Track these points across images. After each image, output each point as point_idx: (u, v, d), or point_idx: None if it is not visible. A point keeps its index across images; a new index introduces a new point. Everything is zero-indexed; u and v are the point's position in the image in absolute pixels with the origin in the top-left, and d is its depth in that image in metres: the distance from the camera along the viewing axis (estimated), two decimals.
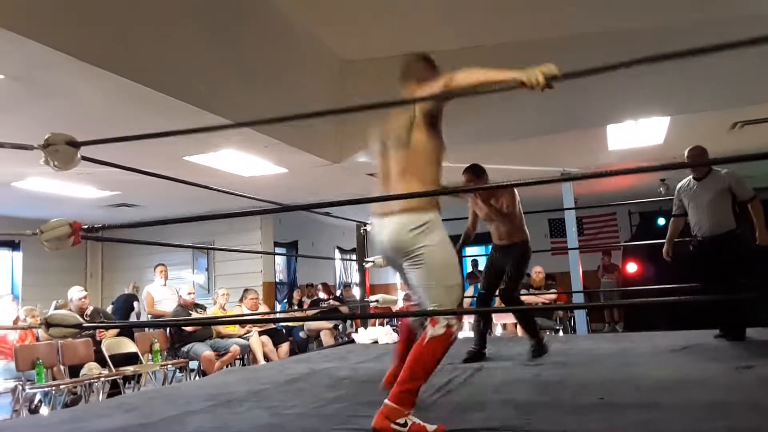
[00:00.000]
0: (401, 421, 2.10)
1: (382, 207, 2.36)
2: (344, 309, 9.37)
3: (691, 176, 4.57)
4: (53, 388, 5.21)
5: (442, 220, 2.36)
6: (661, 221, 10.17)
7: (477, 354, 4.11)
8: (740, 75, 5.14)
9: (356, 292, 10.96)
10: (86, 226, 2.41)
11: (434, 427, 2.13)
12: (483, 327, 4.35)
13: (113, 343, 6.14)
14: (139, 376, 6.21)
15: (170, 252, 9.47)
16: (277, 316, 9.05)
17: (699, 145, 4.42)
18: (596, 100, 5.57)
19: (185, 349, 6.53)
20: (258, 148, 5.85)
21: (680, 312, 8.64)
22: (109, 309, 8.23)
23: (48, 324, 2.32)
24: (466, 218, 4.54)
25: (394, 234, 2.30)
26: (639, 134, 6.13)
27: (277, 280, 10.75)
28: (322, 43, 5.71)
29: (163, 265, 7.85)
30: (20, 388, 5.24)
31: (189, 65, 4.49)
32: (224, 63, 4.82)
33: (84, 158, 2.56)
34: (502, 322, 8.07)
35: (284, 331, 8.09)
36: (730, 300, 4.30)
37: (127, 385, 5.97)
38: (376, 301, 5.87)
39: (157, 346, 6.37)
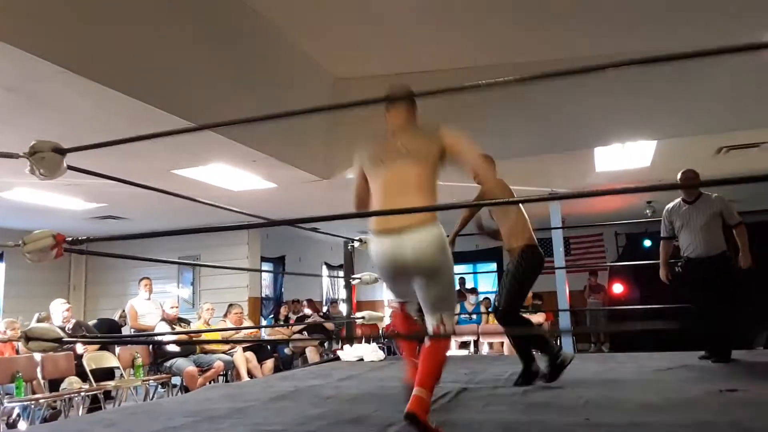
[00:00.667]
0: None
1: (392, 222, 2.37)
2: (329, 325, 9.31)
3: (680, 199, 4.63)
4: (32, 402, 5.11)
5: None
6: (647, 243, 10.27)
7: (530, 373, 3.66)
8: (726, 101, 5.23)
9: (343, 308, 10.90)
10: (70, 239, 2.39)
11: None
12: (523, 344, 3.75)
13: (94, 357, 6.05)
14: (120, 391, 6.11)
15: (155, 265, 9.38)
16: (264, 330, 8.97)
17: (691, 169, 4.52)
18: (585, 123, 5.64)
19: (168, 364, 6.44)
20: (247, 163, 5.84)
21: (666, 333, 8.69)
22: (91, 323, 8.11)
23: (27, 337, 2.28)
24: None
25: (420, 252, 2.35)
26: (626, 157, 6.20)
27: (264, 295, 10.67)
28: (315, 60, 5.73)
29: (147, 278, 7.77)
30: None
31: (180, 79, 4.49)
32: (216, 78, 4.82)
33: (70, 167, 2.54)
34: (488, 341, 8.06)
35: (269, 347, 8.02)
36: (719, 321, 4.35)
37: (107, 400, 5.88)
38: (363, 317, 5.85)
39: (139, 361, 6.28)
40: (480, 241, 8.02)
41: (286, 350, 8.62)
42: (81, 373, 5.73)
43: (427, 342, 2.41)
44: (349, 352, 6.16)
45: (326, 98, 6.09)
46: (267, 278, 11.12)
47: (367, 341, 6.47)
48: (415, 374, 2.39)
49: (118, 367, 6.24)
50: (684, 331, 8.56)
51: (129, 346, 6.58)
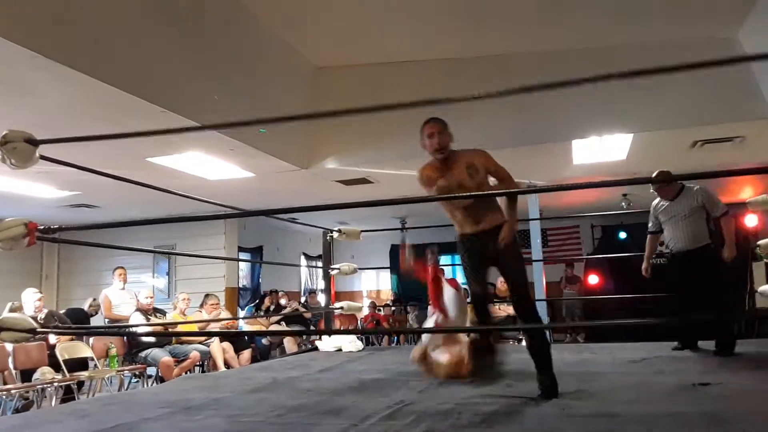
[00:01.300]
0: None
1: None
2: (307, 315, 9.29)
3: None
4: (4, 393, 5.03)
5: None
6: (622, 235, 10.42)
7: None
8: (701, 95, 5.31)
9: (321, 298, 10.89)
10: (42, 227, 2.34)
11: None
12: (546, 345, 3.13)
13: (67, 347, 5.96)
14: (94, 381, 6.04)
15: (130, 255, 9.25)
16: (242, 322, 8.92)
17: (664, 170, 4.39)
18: (562, 116, 5.68)
19: (143, 354, 6.37)
20: (224, 151, 5.77)
21: (640, 323, 8.84)
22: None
23: None
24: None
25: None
26: (603, 150, 6.26)
27: (241, 285, 10.60)
28: (295, 49, 5.68)
29: (122, 268, 7.66)
30: None
31: (156, 66, 4.42)
32: (194, 65, 4.75)
33: (43, 157, 2.48)
34: None
35: (246, 337, 7.97)
36: (694, 314, 4.35)
37: (81, 390, 5.80)
38: (341, 308, 5.84)
39: (113, 352, 6.21)
40: None
41: (264, 341, 8.58)
42: (54, 364, 5.65)
43: None
44: (327, 343, 6.15)
45: (306, 87, 6.05)
46: (244, 268, 11.04)
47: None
48: None
49: (91, 358, 6.16)
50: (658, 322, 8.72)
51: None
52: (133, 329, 6.40)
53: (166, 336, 6.68)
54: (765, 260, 6.57)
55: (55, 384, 5.38)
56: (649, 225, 4.80)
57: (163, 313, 7.33)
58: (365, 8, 4.91)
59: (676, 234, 4.48)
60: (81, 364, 6.02)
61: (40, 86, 3.98)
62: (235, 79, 5.18)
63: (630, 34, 5.20)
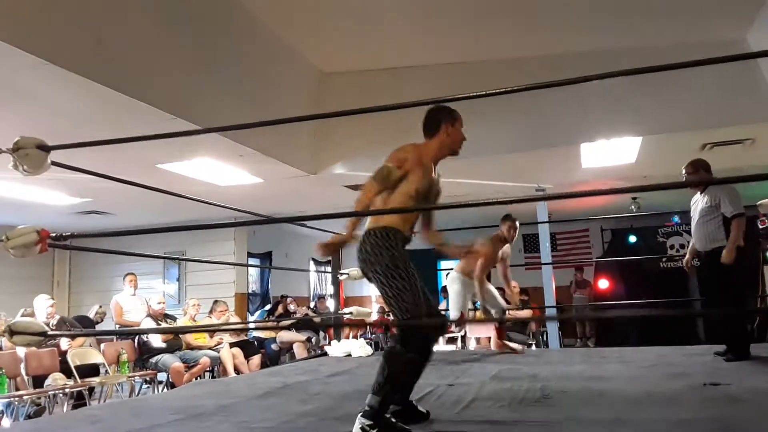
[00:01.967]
0: None
1: None
2: (316, 320, 9.29)
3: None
4: (16, 398, 5.06)
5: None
6: (633, 238, 10.37)
7: None
8: (710, 98, 5.28)
9: (330, 304, 10.89)
10: (54, 234, 2.36)
11: None
12: None
13: (79, 353, 6.00)
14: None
15: (140, 261, 9.29)
16: (253, 324, 8.93)
17: (693, 162, 4.33)
18: (571, 119, 5.66)
19: (154, 360, 6.40)
20: (233, 158, 5.80)
21: (650, 328, 8.79)
22: None
23: (12, 331, 2.25)
24: None
25: None
26: (612, 153, 6.23)
27: (250, 291, 10.62)
28: (300, 55, 5.71)
29: (132, 274, 7.70)
30: None
31: (164, 72, 4.45)
32: (200, 71, 4.78)
33: (54, 163, 2.51)
34: (475, 335, 8.09)
35: (256, 343, 7.99)
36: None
37: (92, 396, 5.83)
38: (350, 313, 5.84)
39: (124, 357, 6.24)
40: None
41: (273, 346, 8.59)
42: (65, 370, 5.68)
43: None
44: (336, 348, 6.16)
45: (312, 93, 6.07)
46: (254, 274, 11.07)
47: (355, 336, 6.46)
48: None
49: (102, 364, 6.19)
50: (669, 326, 8.67)
51: (114, 342, 6.52)
52: (147, 333, 6.44)
53: (184, 333, 6.68)
54: None
55: (67, 390, 5.41)
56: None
57: (174, 318, 7.36)
58: (371, 14, 4.92)
59: (694, 233, 4.37)
60: (92, 370, 6.05)
61: (48, 93, 4.02)
62: (241, 84, 5.21)
63: (638, 37, 5.18)
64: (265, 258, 11.03)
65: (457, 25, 5.16)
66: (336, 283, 6.45)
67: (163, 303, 7.12)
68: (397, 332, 2.64)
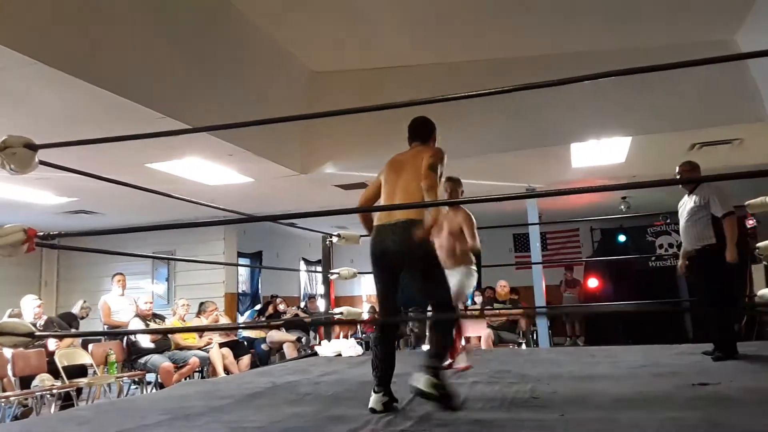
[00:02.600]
0: None
1: None
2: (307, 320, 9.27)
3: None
4: (3, 400, 5.01)
5: None
6: (622, 238, 10.43)
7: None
8: (698, 99, 5.32)
9: (321, 304, 10.87)
10: (41, 233, 2.34)
11: None
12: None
13: (67, 354, 5.94)
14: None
15: (129, 261, 9.23)
16: (243, 324, 8.89)
17: (690, 161, 4.39)
18: (561, 119, 5.69)
19: (143, 360, 6.36)
20: (222, 157, 5.78)
21: (639, 327, 8.85)
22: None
23: None
24: None
25: None
26: (601, 153, 6.27)
27: (240, 290, 10.58)
28: (291, 53, 5.69)
29: (121, 274, 7.64)
30: None
31: (154, 71, 4.42)
32: (190, 70, 4.76)
33: (42, 162, 2.49)
34: (466, 335, 8.10)
35: (245, 343, 7.96)
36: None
37: (80, 397, 5.78)
38: (341, 313, 5.83)
39: (113, 358, 6.19)
40: None
41: (263, 346, 8.56)
42: (53, 371, 5.62)
43: None
44: (326, 348, 6.15)
45: (303, 92, 6.06)
46: (244, 274, 11.02)
47: (345, 336, 6.46)
48: None
49: (91, 365, 6.14)
50: (658, 324, 8.73)
51: (102, 342, 6.46)
52: (136, 334, 6.39)
53: (173, 333, 6.64)
54: (765, 263, 6.55)
55: (54, 391, 5.36)
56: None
57: (163, 318, 7.31)
58: (362, 13, 4.91)
59: (683, 233, 4.41)
60: (80, 370, 6.00)
61: (36, 92, 3.98)
62: (232, 84, 5.19)
63: (628, 38, 5.20)
64: (256, 258, 10.99)
65: (448, 25, 5.17)
66: (327, 282, 6.43)
67: (151, 303, 7.05)
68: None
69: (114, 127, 4.44)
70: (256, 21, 5.04)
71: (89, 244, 7.73)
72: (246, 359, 7.40)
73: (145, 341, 6.44)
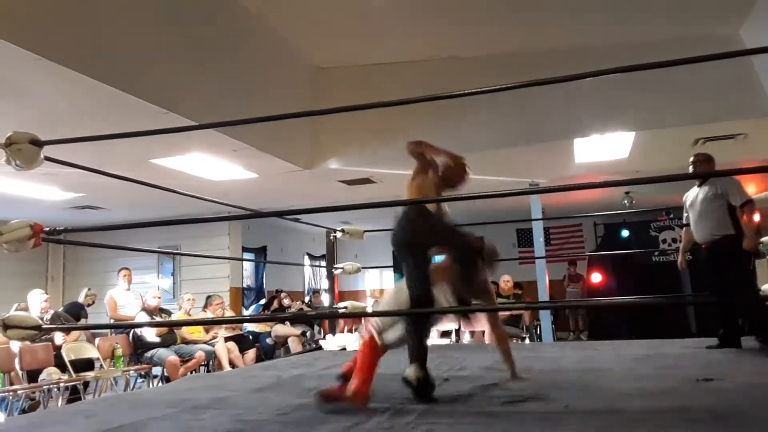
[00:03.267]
0: None
1: None
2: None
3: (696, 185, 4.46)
4: (10, 393, 5.06)
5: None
6: (625, 233, 10.43)
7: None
8: (702, 94, 5.31)
9: (325, 298, 10.91)
10: (48, 229, 2.36)
11: None
12: None
13: (73, 347, 6.00)
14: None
15: (134, 256, 9.28)
16: (250, 317, 8.93)
17: (704, 152, 4.36)
18: (564, 114, 5.68)
19: (149, 354, 6.41)
20: (227, 152, 5.80)
21: (642, 321, 8.86)
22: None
23: (6, 325, 2.26)
24: None
25: None
26: (605, 148, 6.26)
27: (245, 285, 10.63)
28: (296, 49, 5.70)
29: (126, 269, 7.69)
30: None
31: (158, 67, 4.44)
32: (195, 66, 4.78)
33: (47, 158, 2.51)
34: (470, 329, 8.11)
35: (251, 337, 8.00)
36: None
37: (87, 391, 5.83)
38: (345, 308, 5.85)
39: (119, 352, 6.24)
40: None
41: (268, 340, 8.61)
42: (60, 364, 5.68)
43: None
44: (331, 342, 6.18)
45: (307, 87, 6.07)
46: (248, 268, 11.07)
47: (350, 330, 6.49)
48: None
49: (97, 358, 6.19)
50: (661, 318, 8.73)
51: (109, 336, 6.52)
52: (143, 327, 6.43)
53: (180, 326, 6.68)
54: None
55: (62, 384, 5.41)
56: (683, 218, 4.65)
57: (169, 313, 7.36)
58: (366, 9, 4.92)
59: (696, 225, 4.33)
60: (87, 364, 6.05)
61: (42, 88, 4.01)
62: (236, 79, 5.20)
63: (631, 33, 5.20)
64: (260, 252, 11.03)
65: (452, 21, 5.17)
66: (331, 277, 6.46)
67: (159, 298, 7.10)
68: None
69: (118, 122, 4.49)
70: (260, 16, 5.06)
71: (95, 239, 7.78)
72: (251, 353, 7.45)
73: (151, 335, 6.49)
